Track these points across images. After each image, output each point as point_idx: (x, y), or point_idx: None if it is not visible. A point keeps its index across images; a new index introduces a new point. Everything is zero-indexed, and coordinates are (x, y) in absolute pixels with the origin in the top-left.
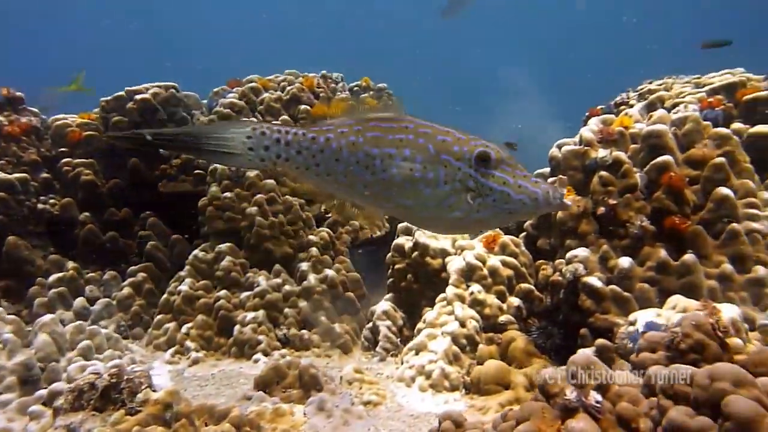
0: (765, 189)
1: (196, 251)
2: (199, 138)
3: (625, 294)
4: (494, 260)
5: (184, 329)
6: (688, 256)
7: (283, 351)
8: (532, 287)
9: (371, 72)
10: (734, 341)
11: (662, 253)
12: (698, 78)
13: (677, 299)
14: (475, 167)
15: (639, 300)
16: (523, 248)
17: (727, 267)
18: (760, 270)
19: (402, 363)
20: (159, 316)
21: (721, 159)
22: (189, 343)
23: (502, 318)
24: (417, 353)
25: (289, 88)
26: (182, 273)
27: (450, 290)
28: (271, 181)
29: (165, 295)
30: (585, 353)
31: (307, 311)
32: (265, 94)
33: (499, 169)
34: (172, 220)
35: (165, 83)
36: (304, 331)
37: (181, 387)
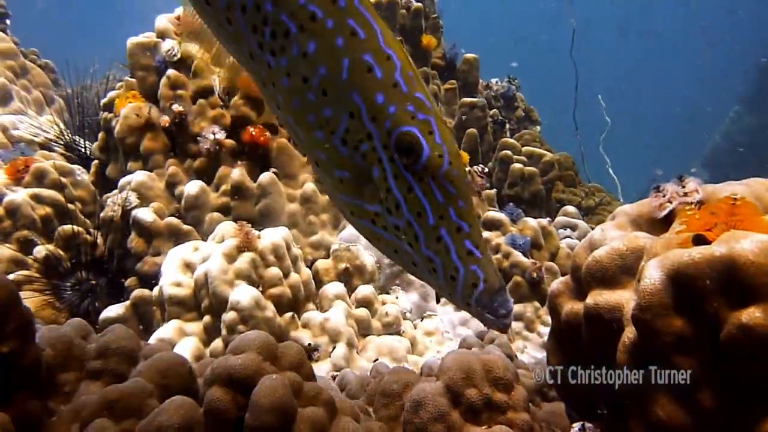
0: None
1: None
2: None
3: (185, 228)
4: (18, 195)
5: None
6: (264, 177)
7: None
8: (81, 229)
9: None
10: (270, 271)
11: (234, 173)
12: None
13: (222, 227)
14: (393, 152)
15: (209, 234)
16: (82, 177)
17: (309, 187)
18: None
19: None
20: None
21: None
22: None
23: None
24: None
25: None
26: None
27: None
28: None
29: None
30: None
31: None
32: None
33: (426, 183)
34: None
35: None
36: None
37: None
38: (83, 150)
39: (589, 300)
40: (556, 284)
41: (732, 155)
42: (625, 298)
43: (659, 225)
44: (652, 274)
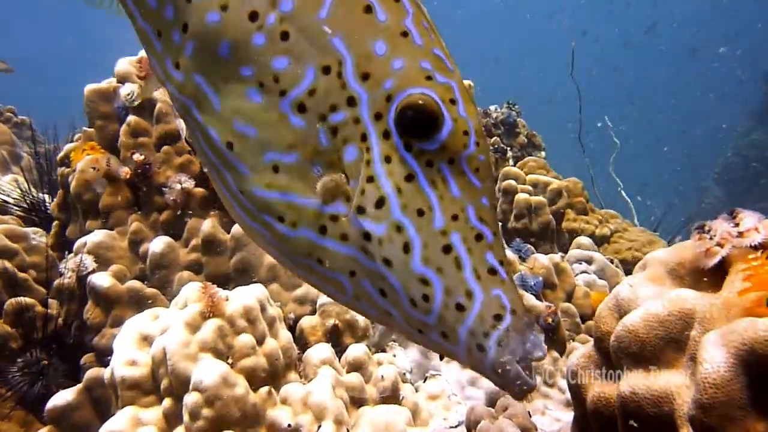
0: None
1: None
2: None
3: (149, 291)
4: None
5: None
6: (236, 228)
7: None
8: (32, 301)
9: None
10: (241, 339)
11: (205, 225)
12: None
13: (186, 290)
14: (390, 124)
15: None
16: (38, 241)
17: None
18: None
19: None
20: None
21: None
22: None
23: None
24: None
25: None
26: None
27: None
28: None
29: None
30: None
31: None
32: None
33: (438, 169)
34: None
35: None
36: None
37: None
38: (48, 210)
39: (625, 387)
40: (576, 358)
41: (746, 170)
42: (674, 384)
43: (709, 277)
44: (715, 356)
